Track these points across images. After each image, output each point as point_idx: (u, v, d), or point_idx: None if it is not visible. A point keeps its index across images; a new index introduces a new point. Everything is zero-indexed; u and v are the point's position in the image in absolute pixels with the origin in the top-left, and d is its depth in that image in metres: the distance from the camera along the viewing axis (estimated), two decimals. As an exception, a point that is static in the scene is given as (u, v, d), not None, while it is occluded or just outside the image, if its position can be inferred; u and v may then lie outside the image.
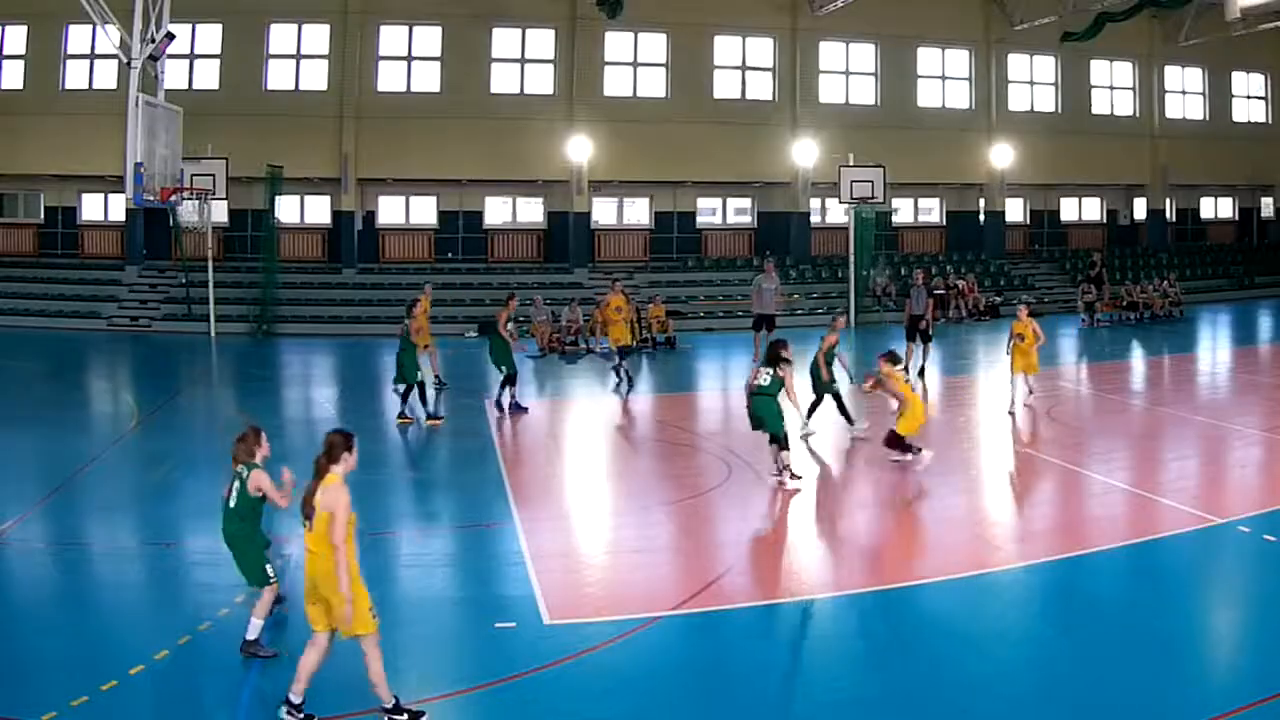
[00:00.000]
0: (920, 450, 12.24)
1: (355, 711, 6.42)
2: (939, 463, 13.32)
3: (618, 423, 16.62)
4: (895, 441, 12.18)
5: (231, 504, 7.48)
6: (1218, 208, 39.04)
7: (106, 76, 27.51)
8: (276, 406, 18.18)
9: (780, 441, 11.65)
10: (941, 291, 30.02)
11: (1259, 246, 37.88)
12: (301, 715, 6.20)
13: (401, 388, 15.42)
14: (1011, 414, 15.34)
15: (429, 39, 29.87)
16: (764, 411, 11.65)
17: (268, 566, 7.47)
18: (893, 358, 12.59)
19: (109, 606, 8.34)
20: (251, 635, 7.28)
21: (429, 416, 15.43)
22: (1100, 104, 35.06)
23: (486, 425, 15.50)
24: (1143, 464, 13.08)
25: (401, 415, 15.39)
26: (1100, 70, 34.91)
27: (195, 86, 27.77)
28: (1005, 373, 16.02)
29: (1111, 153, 34.31)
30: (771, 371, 11.82)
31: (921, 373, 19.50)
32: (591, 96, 30.31)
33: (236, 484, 7.48)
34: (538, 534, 9.97)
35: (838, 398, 14.31)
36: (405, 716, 6.22)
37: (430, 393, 16.52)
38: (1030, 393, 15.79)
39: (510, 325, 16.25)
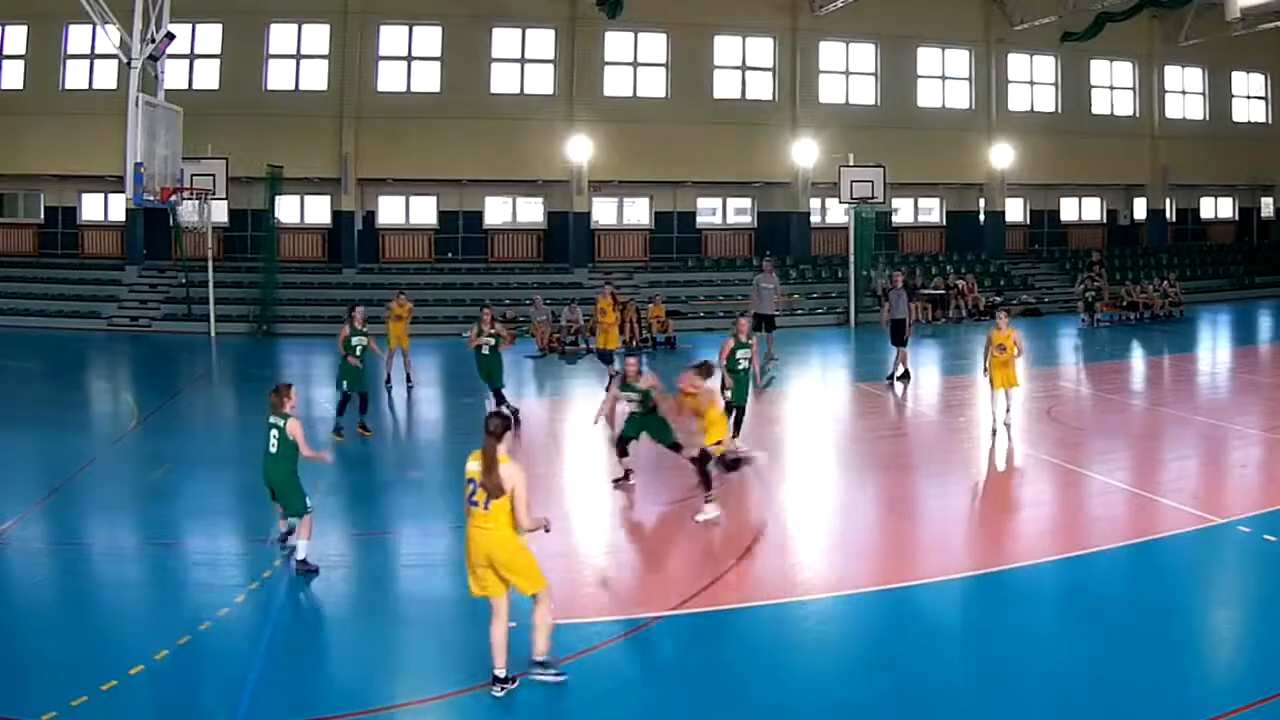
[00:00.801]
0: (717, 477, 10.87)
1: (356, 711, 6.43)
2: (940, 463, 13.35)
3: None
4: (703, 460, 10.57)
5: (273, 450, 8.89)
6: (1218, 208, 39.02)
7: (106, 76, 27.52)
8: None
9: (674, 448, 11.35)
10: (941, 292, 30.08)
11: (1259, 246, 37.85)
12: (514, 681, 6.70)
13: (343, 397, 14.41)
14: (1007, 424, 14.30)
15: (429, 39, 29.87)
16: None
17: (307, 499, 8.99)
18: (704, 370, 10.76)
19: (109, 606, 8.33)
20: (302, 555, 8.82)
21: (335, 428, 14.27)
22: (1100, 104, 35.04)
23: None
24: (1143, 464, 13.07)
25: (361, 427, 14.53)
26: (1100, 70, 34.90)
27: (195, 86, 27.75)
28: (986, 390, 14.70)
29: (1111, 153, 34.31)
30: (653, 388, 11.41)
31: (905, 377, 18.65)
32: (591, 96, 30.29)
33: (275, 432, 8.89)
34: (537, 534, 9.92)
35: (738, 409, 13.23)
36: (552, 672, 6.69)
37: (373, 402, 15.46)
38: (1008, 409, 14.39)
39: (483, 337, 15.09)
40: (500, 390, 15.26)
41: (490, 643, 6.67)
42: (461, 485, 6.76)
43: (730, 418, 12.84)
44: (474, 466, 6.67)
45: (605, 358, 18.76)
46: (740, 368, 13.25)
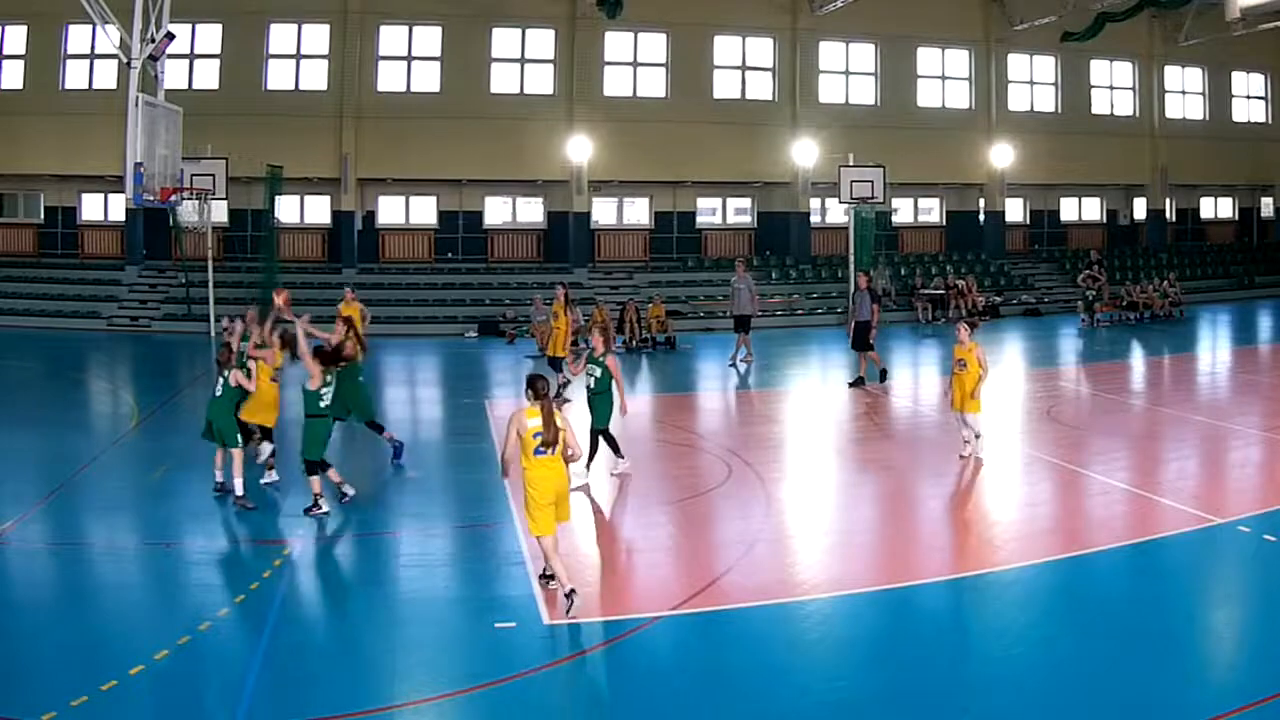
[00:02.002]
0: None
1: (355, 711, 6.43)
2: (939, 463, 13.30)
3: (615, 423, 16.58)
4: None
5: (217, 394, 10.91)
6: (1218, 208, 39.05)
7: (106, 76, 27.52)
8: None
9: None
10: (941, 291, 30.08)
11: (1259, 246, 37.89)
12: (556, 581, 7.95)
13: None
14: (963, 456, 12.74)
15: (429, 39, 29.88)
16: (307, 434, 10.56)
17: (238, 437, 10.77)
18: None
19: (109, 606, 8.32)
20: (239, 491, 10.56)
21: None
22: (1100, 104, 35.07)
23: (486, 425, 15.50)
24: (1143, 464, 13.06)
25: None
26: (1100, 70, 34.92)
27: (195, 86, 27.77)
28: (946, 409, 13.46)
29: (1111, 153, 34.33)
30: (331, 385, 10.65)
31: (884, 377, 18.31)
32: (591, 96, 30.30)
33: (221, 381, 10.87)
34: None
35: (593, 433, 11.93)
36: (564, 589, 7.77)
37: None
38: (978, 436, 12.65)
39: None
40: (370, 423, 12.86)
41: (556, 571, 7.86)
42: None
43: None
44: (536, 422, 7.88)
45: (554, 364, 17.72)
46: (587, 385, 11.97)
